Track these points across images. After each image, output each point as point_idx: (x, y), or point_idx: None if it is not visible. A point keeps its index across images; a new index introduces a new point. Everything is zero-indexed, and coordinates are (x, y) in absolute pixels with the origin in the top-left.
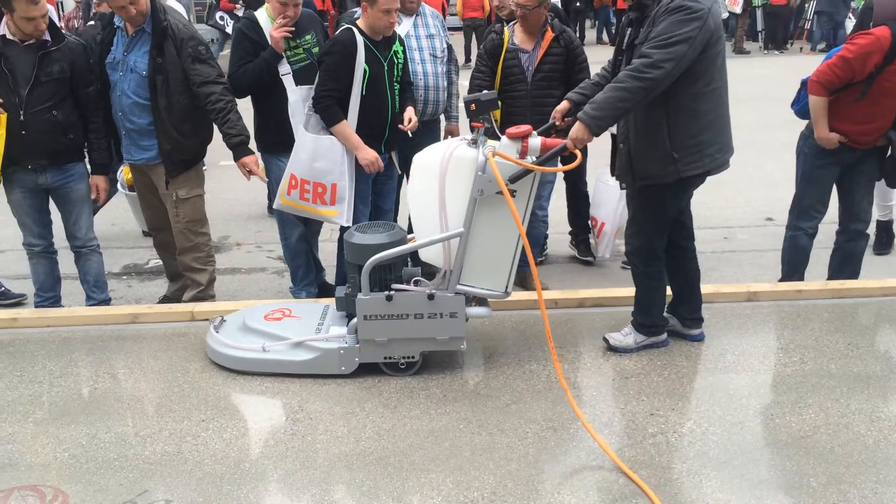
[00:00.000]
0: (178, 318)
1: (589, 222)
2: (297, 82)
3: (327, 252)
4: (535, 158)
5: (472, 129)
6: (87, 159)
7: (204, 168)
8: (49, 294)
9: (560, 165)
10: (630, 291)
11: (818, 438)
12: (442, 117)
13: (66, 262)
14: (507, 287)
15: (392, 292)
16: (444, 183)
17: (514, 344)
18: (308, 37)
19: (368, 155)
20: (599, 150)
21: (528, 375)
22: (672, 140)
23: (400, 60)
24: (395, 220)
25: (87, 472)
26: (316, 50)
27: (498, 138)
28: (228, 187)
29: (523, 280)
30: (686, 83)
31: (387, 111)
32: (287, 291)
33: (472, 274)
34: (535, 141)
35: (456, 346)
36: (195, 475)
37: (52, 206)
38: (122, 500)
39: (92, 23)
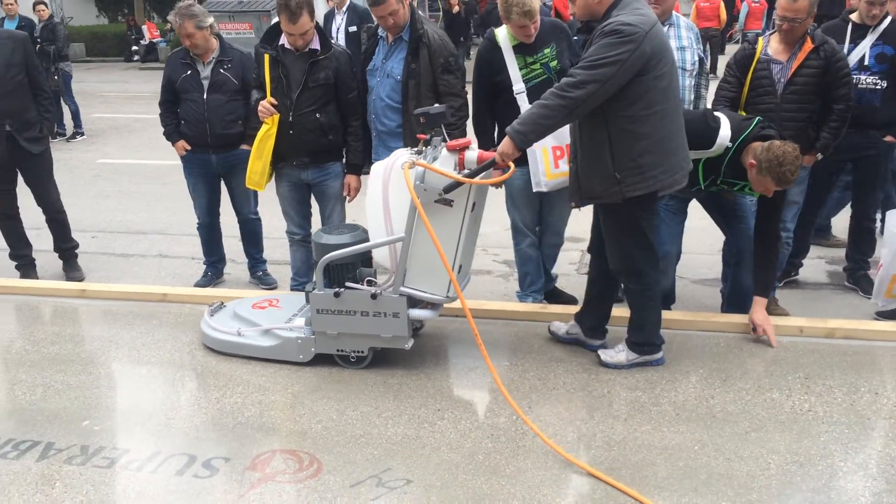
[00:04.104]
0: None
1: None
2: (532, 100)
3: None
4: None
5: (418, 142)
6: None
7: None
8: (304, 279)
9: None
10: (892, 326)
11: None
12: None
13: None
14: (448, 292)
15: (341, 289)
16: (388, 191)
17: (751, 369)
18: (547, 50)
19: None
20: None
21: (769, 404)
22: (615, 161)
23: None
24: None
25: (338, 444)
26: (554, 64)
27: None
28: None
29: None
30: (622, 106)
31: None
32: (513, 295)
33: (415, 278)
34: (472, 154)
35: (400, 345)
36: (432, 460)
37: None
38: (369, 474)
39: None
